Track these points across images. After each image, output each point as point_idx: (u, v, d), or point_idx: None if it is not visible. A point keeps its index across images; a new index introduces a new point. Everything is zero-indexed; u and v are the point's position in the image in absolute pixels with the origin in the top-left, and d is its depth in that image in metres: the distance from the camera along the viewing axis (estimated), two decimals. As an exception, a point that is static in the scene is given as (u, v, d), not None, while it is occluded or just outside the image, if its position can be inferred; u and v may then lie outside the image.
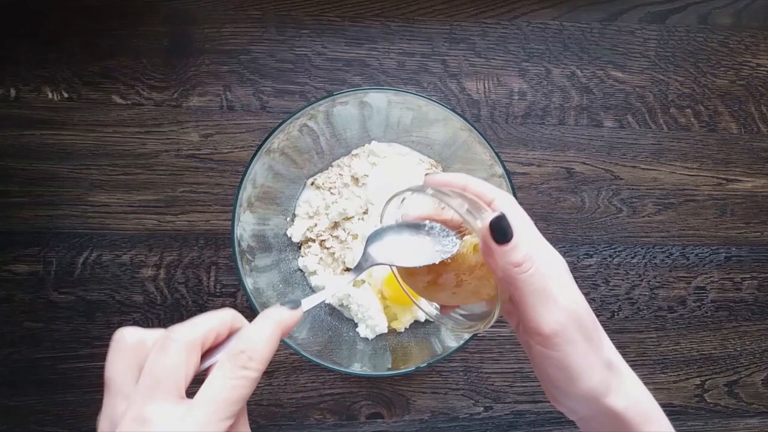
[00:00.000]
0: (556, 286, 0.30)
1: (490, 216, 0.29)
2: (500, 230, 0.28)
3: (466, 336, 0.48)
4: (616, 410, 0.30)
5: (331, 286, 0.43)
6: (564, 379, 0.30)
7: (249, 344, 0.25)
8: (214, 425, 0.23)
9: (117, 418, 0.25)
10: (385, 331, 0.52)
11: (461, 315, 0.37)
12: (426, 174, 0.34)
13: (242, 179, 0.47)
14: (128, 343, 0.25)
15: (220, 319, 0.26)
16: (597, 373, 0.30)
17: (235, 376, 0.24)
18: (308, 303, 0.30)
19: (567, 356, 0.29)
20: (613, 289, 0.62)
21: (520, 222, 0.31)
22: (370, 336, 0.52)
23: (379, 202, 0.54)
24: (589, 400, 0.30)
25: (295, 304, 0.28)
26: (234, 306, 0.58)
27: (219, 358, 0.25)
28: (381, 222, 0.37)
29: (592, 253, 0.62)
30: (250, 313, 0.57)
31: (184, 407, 0.23)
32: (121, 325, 0.58)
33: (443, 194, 0.31)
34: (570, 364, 0.30)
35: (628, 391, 0.31)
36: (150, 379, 0.24)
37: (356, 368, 0.49)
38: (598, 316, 0.60)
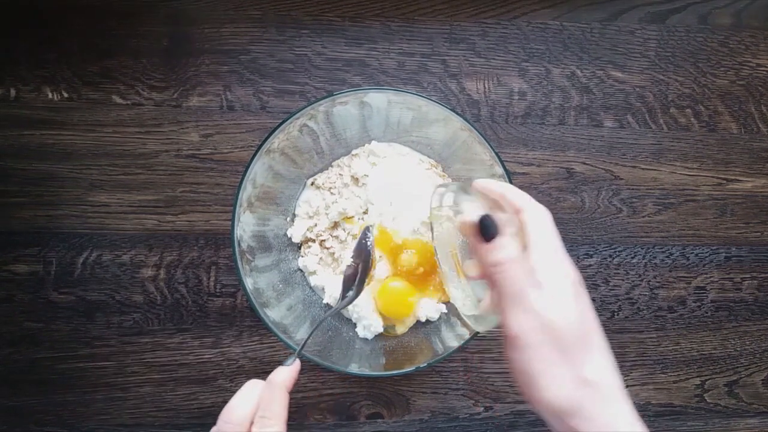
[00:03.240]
0: (539, 295, 0.30)
1: (479, 214, 0.32)
2: (484, 228, 0.32)
3: (467, 336, 0.49)
4: None
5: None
6: (526, 384, 0.31)
7: (265, 410, 0.33)
8: None
9: None
10: (381, 331, 0.52)
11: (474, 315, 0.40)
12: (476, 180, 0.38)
13: (242, 179, 0.47)
14: None
15: (256, 398, 0.34)
16: (561, 387, 0.29)
17: None
18: (298, 350, 0.40)
19: (529, 361, 0.30)
20: (613, 289, 0.62)
21: (540, 234, 0.33)
22: (369, 336, 0.52)
23: (379, 202, 0.54)
24: (554, 415, 0.30)
25: (291, 360, 0.37)
26: (234, 306, 0.58)
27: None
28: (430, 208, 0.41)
29: (592, 253, 0.62)
30: (249, 312, 0.57)
31: None
32: (121, 325, 0.58)
33: (466, 196, 0.35)
34: (530, 369, 0.30)
35: (605, 420, 0.29)
36: None
37: (355, 368, 0.49)
38: (598, 316, 0.59)
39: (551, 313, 0.30)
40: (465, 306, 0.41)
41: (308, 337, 0.41)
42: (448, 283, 0.41)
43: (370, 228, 0.50)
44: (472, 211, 0.34)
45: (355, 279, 0.48)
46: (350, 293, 0.48)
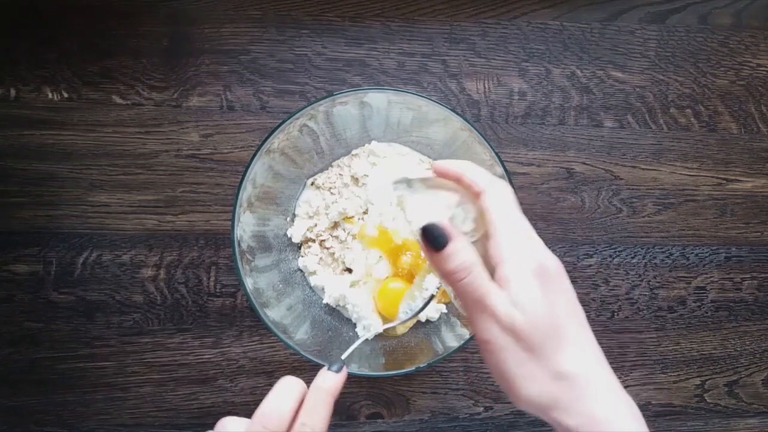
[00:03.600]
0: (500, 296, 0.29)
1: (423, 222, 0.30)
2: (430, 239, 0.30)
3: (467, 336, 0.49)
4: (567, 426, 0.29)
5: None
6: (504, 385, 0.30)
7: (309, 417, 0.29)
8: None
9: None
10: (381, 330, 0.52)
11: None
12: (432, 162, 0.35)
13: (242, 179, 0.47)
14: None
15: (297, 399, 0.30)
16: (537, 383, 0.29)
17: None
18: (345, 355, 0.35)
19: (501, 363, 0.30)
20: (613, 289, 0.62)
21: (500, 219, 0.31)
22: (369, 336, 0.52)
23: (379, 202, 0.54)
24: (536, 410, 0.30)
25: (339, 366, 0.32)
26: (234, 306, 0.58)
27: None
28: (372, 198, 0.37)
29: (592, 253, 0.62)
30: (249, 312, 0.57)
31: None
32: (121, 325, 0.58)
33: (412, 191, 0.32)
34: (504, 370, 0.30)
35: (582, 409, 0.29)
36: None
37: (355, 368, 0.49)
38: (598, 316, 0.59)
39: (513, 315, 0.29)
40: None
41: (354, 346, 0.38)
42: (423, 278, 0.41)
43: None
44: (417, 216, 0.32)
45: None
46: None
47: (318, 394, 0.30)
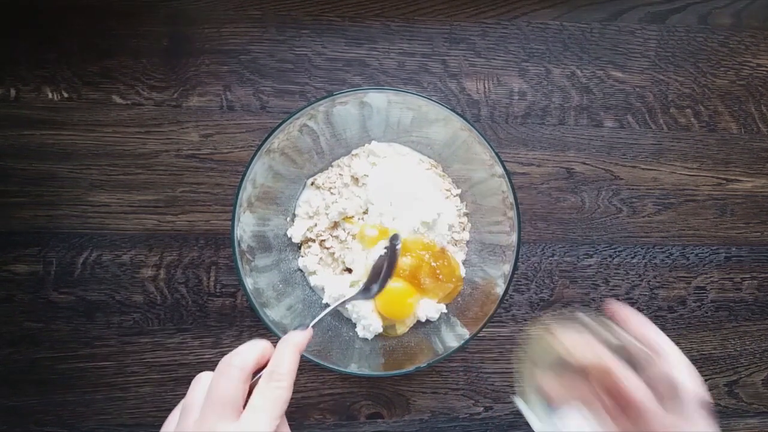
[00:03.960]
0: None
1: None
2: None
3: (467, 336, 0.49)
4: None
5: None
6: None
7: (277, 365, 0.33)
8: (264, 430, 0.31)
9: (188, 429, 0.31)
10: (380, 331, 0.52)
11: None
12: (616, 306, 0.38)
13: (242, 179, 0.47)
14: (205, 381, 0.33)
15: (261, 349, 0.33)
16: None
17: (271, 389, 0.32)
18: (313, 321, 0.39)
19: None
20: (613, 289, 0.62)
21: (683, 389, 0.33)
22: (368, 336, 0.52)
23: (379, 202, 0.54)
24: None
25: (305, 326, 0.36)
26: (234, 306, 0.58)
27: (259, 380, 0.33)
28: None
29: (592, 253, 0.62)
30: (249, 312, 0.57)
31: (241, 421, 0.30)
32: (121, 325, 0.58)
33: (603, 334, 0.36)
34: None
35: None
36: (219, 400, 0.31)
37: (355, 368, 0.49)
38: (598, 316, 0.59)
39: None
40: (531, 417, 0.42)
41: (324, 313, 0.40)
42: (524, 384, 0.42)
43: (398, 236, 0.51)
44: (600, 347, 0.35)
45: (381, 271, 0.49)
46: (374, 286, 0.49)
47: (286, 346, 0.34)
